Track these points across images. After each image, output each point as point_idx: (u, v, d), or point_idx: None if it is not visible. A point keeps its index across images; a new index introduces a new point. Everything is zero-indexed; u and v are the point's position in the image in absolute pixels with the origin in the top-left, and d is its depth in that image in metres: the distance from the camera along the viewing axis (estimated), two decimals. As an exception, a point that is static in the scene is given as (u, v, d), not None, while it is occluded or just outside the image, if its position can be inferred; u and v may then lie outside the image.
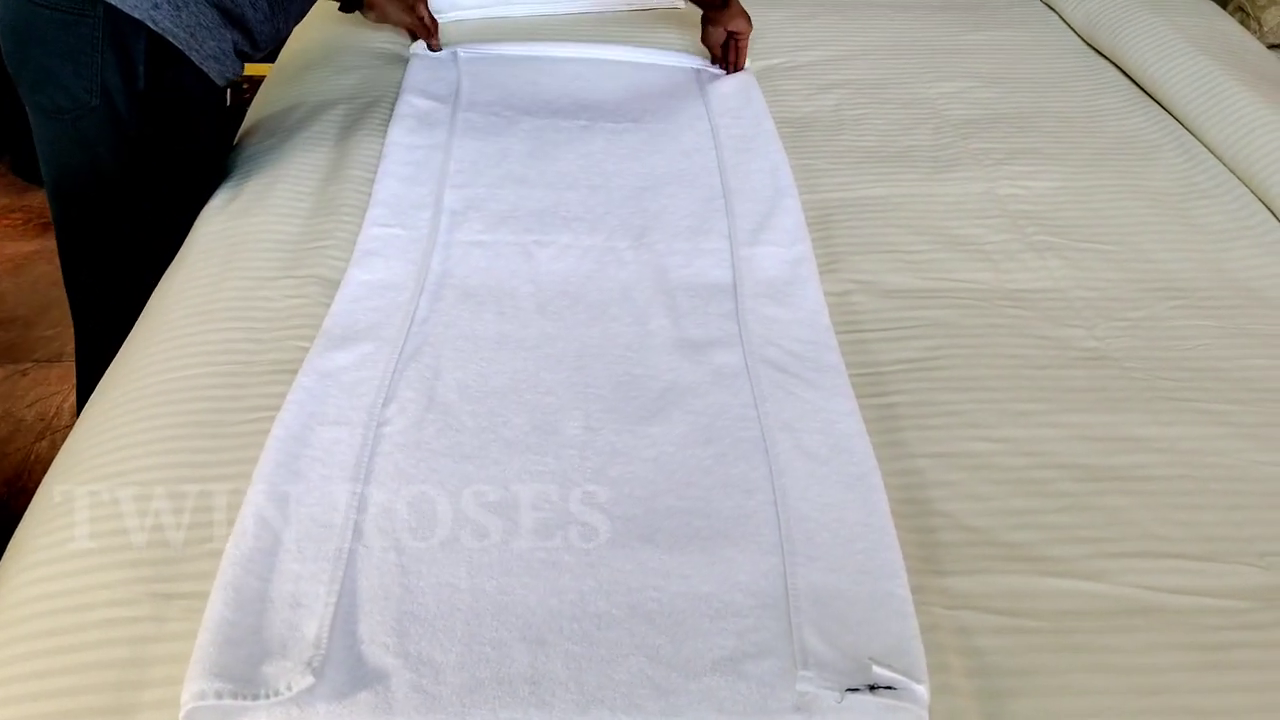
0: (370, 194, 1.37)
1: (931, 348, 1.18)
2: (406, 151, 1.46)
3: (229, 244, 1.28)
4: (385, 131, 1.51)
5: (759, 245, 1.31)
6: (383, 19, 1.74)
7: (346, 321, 1.15)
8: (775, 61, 1.81)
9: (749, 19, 1.71)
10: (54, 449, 1.99)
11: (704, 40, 1.76)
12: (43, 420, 2.07)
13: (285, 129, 1.52)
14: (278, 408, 1.04)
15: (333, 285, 1.22)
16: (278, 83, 1.71)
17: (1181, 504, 1.00)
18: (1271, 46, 1.91)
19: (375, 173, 1.41)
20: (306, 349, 1.12)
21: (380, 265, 1.25)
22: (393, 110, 1.56)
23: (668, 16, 1.94)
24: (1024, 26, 1.93)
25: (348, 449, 0.99)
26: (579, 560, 0.90)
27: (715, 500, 0.97)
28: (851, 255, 1.33)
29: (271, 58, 1.78)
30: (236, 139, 1.58)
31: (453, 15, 1.88)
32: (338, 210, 1.35)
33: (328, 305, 1.19)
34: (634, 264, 1.29)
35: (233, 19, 1.31)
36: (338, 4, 1.69)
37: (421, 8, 1.72)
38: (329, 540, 0.90)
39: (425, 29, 1.73)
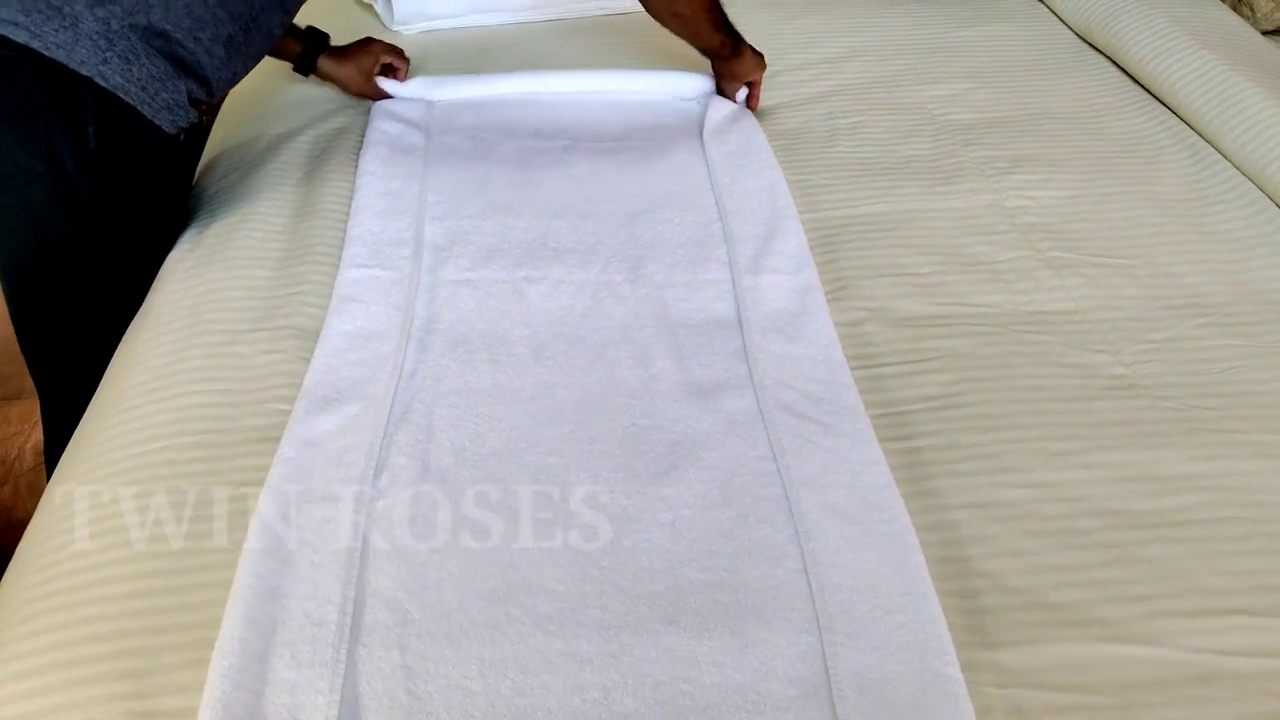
0: (345, 231, 1.29)
1: (952, 382, 1.11)
2: (381, 182, 1.37)
3: (195, 296, 1.19)
4: (356, 161, 1.42)
5: (762, 273, 1.24)
6: (345, 92, 1.59)
7: (328, 379, 1.07)
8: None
9: (763, 60, 1.57)
10: (16, 495, 1.90)
11: (721, 94, 1.61)
12: (3, 464, 1.96)
13: (248, 163, 1.43)
14: (260, 482, 0.96)
15: (311, 336, 1.14)
16: (237, 110, 1.61)
17: (1234, 550, 0.94)
18: (1266, 33, 1.85)
19: (349, 207, 1.33)
20: (287, 411, 1.04)
21: (360, 312, 1.16)
22: (363, 137, 1.47)
23: (653, 27, 1.85)
24: (1014, 21, 1.86)
25: (339, 530, 0.91)
26: (600, 650, 0.83)
27: (741, 570, 0.90)
28: (859, 280, 1.26)
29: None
30: (196, 174, 1.48)
31: (421, 26, 1.79)
32: (311, 251, 1.26)
33: (307, 360, 1.11)
34: (631, 299, 1.21)
35: (186, 68, 1.20)
36: (292, 67, 1.57)
37: (373, 78, 1.57)
38: (325, 642, 0.82)
39: (381, 97, 1.58)
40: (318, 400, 1.04)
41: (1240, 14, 1.90)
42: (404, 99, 1.57)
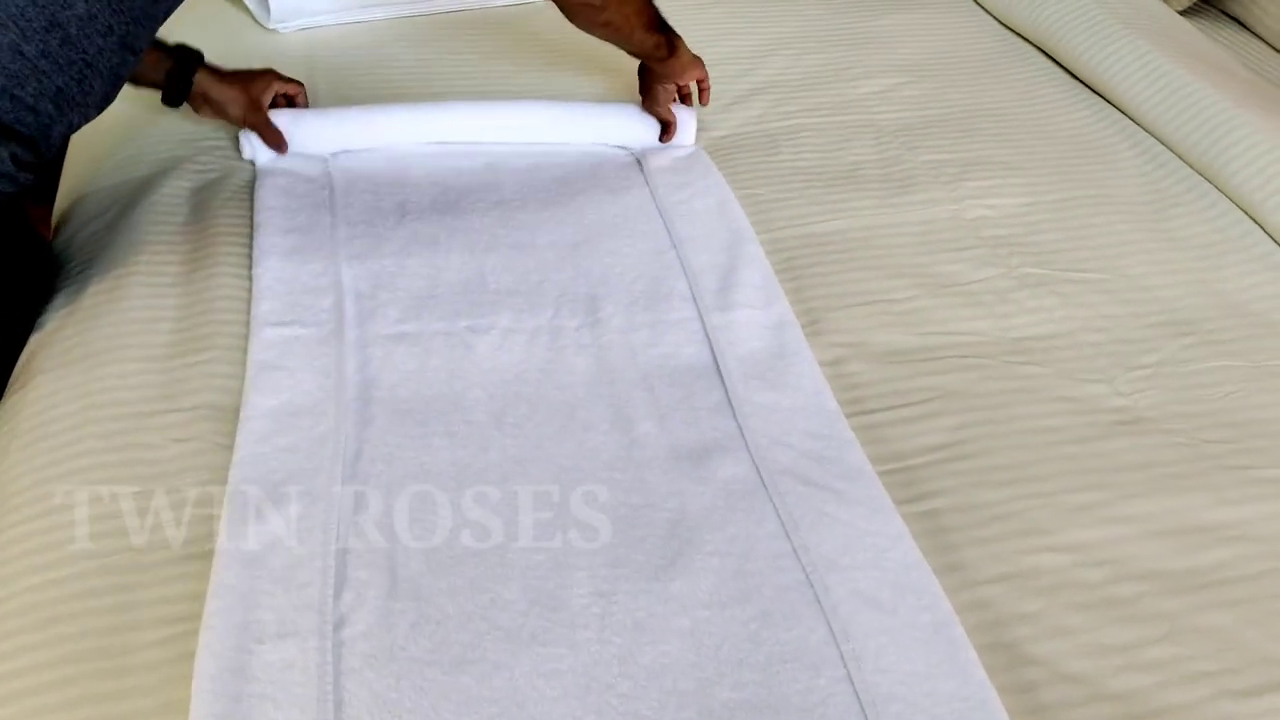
0: (250, 280, 1.11)
1: (953, 428, 1.03)
2: (284, 216, 1.19)
3: (80, 372, 1.00)
4: (251, 191, 1.23)
5: (731, 309, 1.13)
6: (219, 116, 1.30)
7: (259, 473, 0.91)
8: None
9: (702, 62, 1.37)
10: None
11: (649, 104, 1.38)
12: None
13: (120, 201, 1.22)
14: (194, 618, 0.79)
15: (229, 416, 0.97)
16: (85, 150, 1.36)
17: (1282, 610, 0.88)
18: (1182, 13, 1.82)
19: (249, 249, 1.15)
20: (213, 517, 0.87)
21: (285, 382, 1.00)
22: (254, 169, 1.28)
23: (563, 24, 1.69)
24: (932, 8, 1.78)
25: (304, 675, 0.76)
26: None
27: (778, 683, 0.79)
28: (831, 311, 1.16)
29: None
30: (54, 224, 1.26)
31: (300, 23, 1.59)
32: (212, 305, 1.08)
33: (228, 447, 0.94)
34: (593, 347, 1.08)
35: (3, 130, 0.96)
36: (159, 95, 1.28)
37: (269, 93, 1.29)
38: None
39: (274, 135, 1.29)
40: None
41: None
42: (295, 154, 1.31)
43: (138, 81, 1.24)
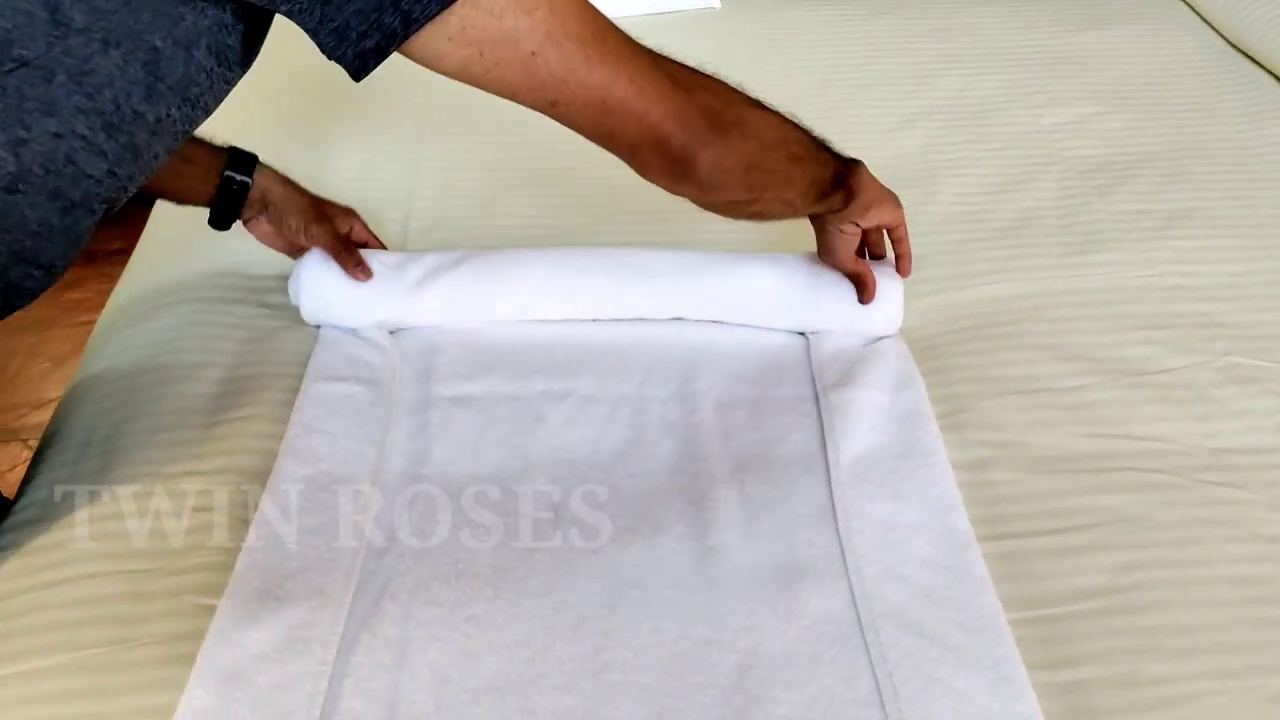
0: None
1: (1120, 568, 0.81)
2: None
3: (111, 425, 0.91)
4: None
5: (852, 387, 0.94)
6: (275, 228, 1.02)
7: (269, 560, 0.79)
8: (836, 81, 1.42)
9: (894, 199, 0.96)
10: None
11: (825, 254, 0.98)
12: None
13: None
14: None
15: (257, 480, 0.85)
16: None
17: None
18: None
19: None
20: (211, 611, 0.76)
21: (324, 449, 0.88)
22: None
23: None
24: (1147, 21, 1.53)
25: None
26: None
27: None
28: (979, 400, 0.95)
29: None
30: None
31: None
32: (270, 356, 0.97)
33: (245, 521, 0.82)
34: (680, 426, 0.92)
35: None
36: (207, 214, 1.00)
37: (343, 220, 1.02)
38: None
39: (350, 255, 0.99)
40: (250, 597, 0.76)
41: None
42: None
43: (183, 197, 0.99)
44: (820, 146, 0.87)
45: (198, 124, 0.74)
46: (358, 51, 0.65)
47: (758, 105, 0.81)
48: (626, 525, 0.83)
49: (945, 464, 0.88)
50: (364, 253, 1.00)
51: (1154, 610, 0.78)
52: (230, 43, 0.70)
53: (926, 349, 1.00)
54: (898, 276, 1.00)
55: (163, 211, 1.22)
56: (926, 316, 1.03)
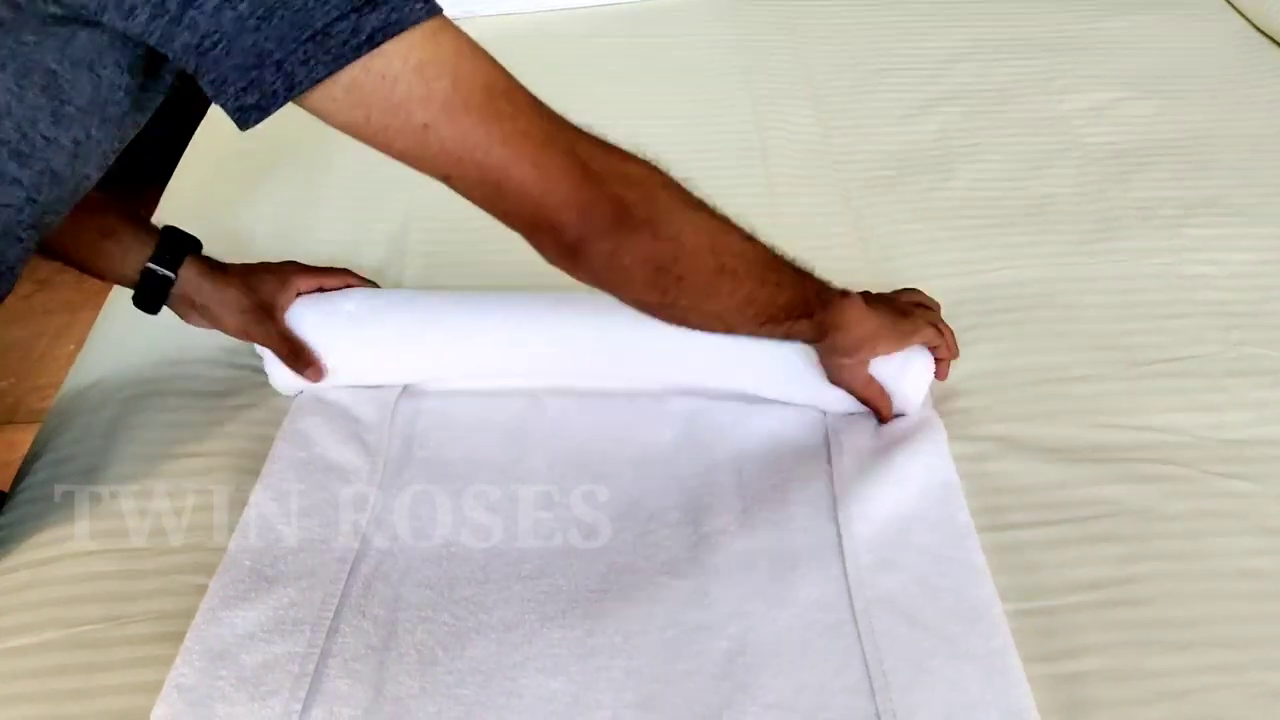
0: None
1: (1123, 559, 0.79)
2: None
3: (118, 404, 0.92)
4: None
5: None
6: (215, 326, 0.91)
7: (263, 542, 0.79)
8: (855, 66, 1.40)
9: (911, 327, 0.87)
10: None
11: (832, 380, 0.88)
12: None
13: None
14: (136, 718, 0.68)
15: (255, 465, 0.86)
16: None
17: None
18: None
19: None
20: (203, 590, 0.76)
21: (320, 431, 0.88)
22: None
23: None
24: (1173, 7, 1.50)
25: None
26: None
27: None
28: (986, 391, 0.94)
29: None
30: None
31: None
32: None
33: (242, 503, 0.82)
34: (682, 416, 0.91)
35: None
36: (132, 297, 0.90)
37: (279, 314, 0.90)
38: None
39: (292, 352, 0.89)
40: (242, 577, 0.76)
41: None
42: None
43: (98, 272, 0.89)
44: (785, 269, 0.78)
45: (130, 137, 0.70)
46: (237, 105, 0.59)
47: (696, 207, 0.72)
48: (621, 511, 0.83)
49: (947, 454, 0.86)
50: (333, 304, 0.91)
51: (1155, 603, 0.77)
52: (141, 54, 0.63)
53: (934, 336, 0.98)
54: (927, 357, 0.88)
55: (173, 197, 1.22)
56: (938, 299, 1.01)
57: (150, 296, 0.89)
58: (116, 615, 0.76)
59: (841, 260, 1.06)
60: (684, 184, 0.72)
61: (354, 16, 0.57)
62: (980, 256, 1.08)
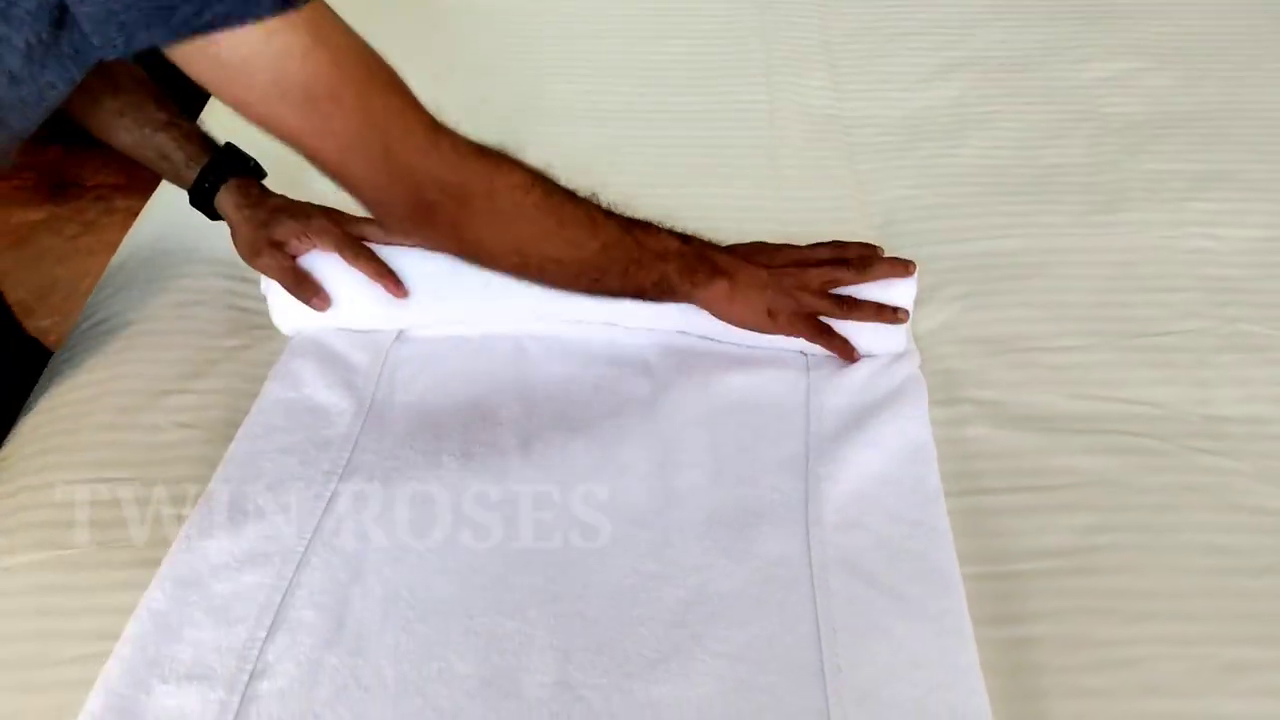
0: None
1: (1088, 529, 0.80)
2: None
3: (121, 339, 0.95)
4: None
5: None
6: (234, 245, 0.96)
7: (243, 474, 0.82)
8: (873, 28, 1.39)
9: (905, 264, 0.91)
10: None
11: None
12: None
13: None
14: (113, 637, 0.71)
15: (249, 400, 0.88)
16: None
17: None
18: None
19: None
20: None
21: (310, 372, 0.90)
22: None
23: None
24: (1206, -24, 1.46)
25: (194, 737, 0.66)
26: None
27: None
28: (967, 356, 0.94)
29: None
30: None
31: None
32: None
33: (230, 439, 0.85)
34: (661, 367, 0.93)
35: None
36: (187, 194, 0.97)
37: (292, 239, 0.93)
38: None
39: (297, 281, 0.93)
40: (220, 509, 0.79)
41: None
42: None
43: (166, 176, 0.98)
44: (630, 258, 0.83)
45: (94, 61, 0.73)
46: (92, 45, 0.65)
47: (528, 216, 0.78)
48: (592, 464, 0.84)
49: (925, 418, 0.86)
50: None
51: (1115, 574, 0.77)
52: None
53: (921, 299, 0.97)
54: (910, 282, 0.91)
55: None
56: (927, 266, 1.01)
57: (201, 201, 0.96)
58: (104, 541, 0.79)
59: (840, 224, 1.06)
60: (535, 187, 0.78)
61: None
62: (980, 224, 1.07)
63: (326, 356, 0.93)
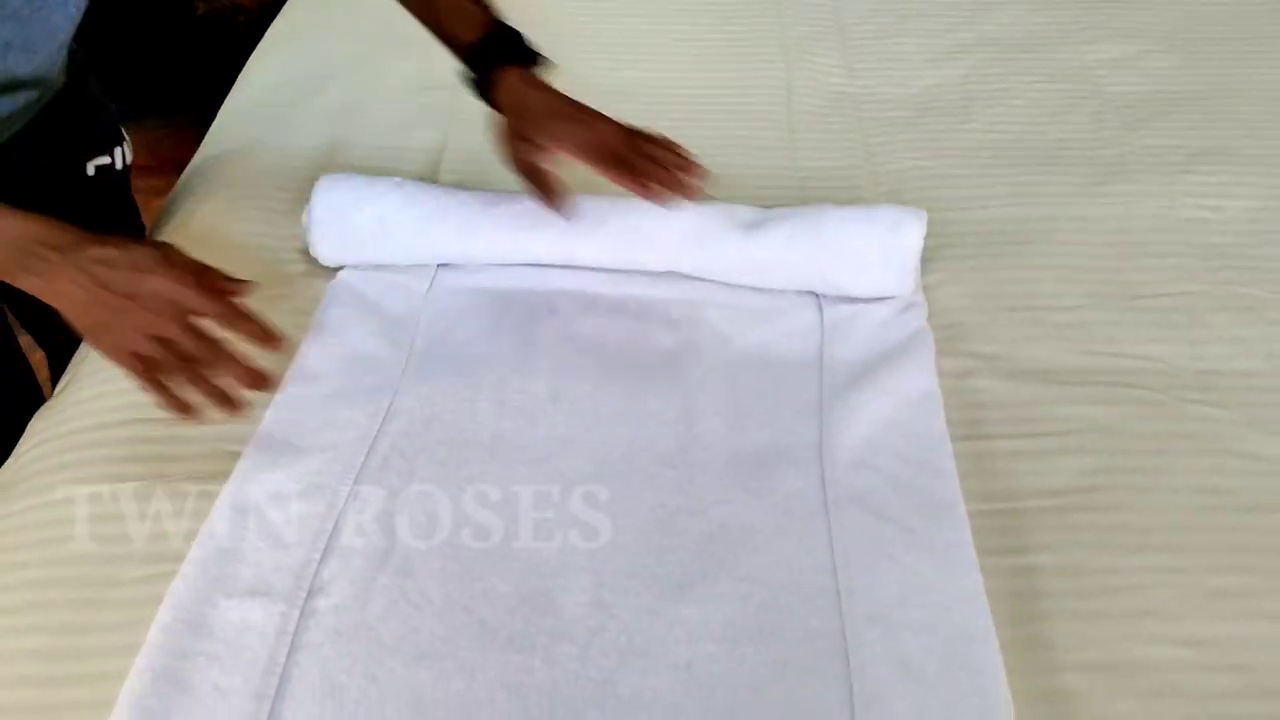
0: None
1: (1087, 471, 0.85)
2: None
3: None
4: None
5: (858, 303, 0.98)
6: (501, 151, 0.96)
7: (294, 416, 0.87)
8: (885, 8, 1.44)
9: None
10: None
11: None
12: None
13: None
14: (178, 559, 0.77)
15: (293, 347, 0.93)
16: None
17: None
18: None
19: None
20: (237, 456, 0.84)
21: (354, 324, 0.96)
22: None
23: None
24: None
25: (260, 641, 0.71)
26: None
27: (770, 749, 0.67)
28: (974, 313, 0.99)
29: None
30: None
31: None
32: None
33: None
34: (685, 322, 0.98)
35: None
36: (466, 69, 0.97)
37: (548, 160, 0.94)
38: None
39: (549, 195, 0.95)
40: (273, 446, 0.84)
41: None
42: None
43: (446, 40, 0.97)
44: None
45: None
46: None
47: None
48: (619, 410, 0.89)
49: (932, 369, 0.92)
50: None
51: (1114, 511, 0.82)
52: None
53: (937, 261, 1.03)
54: (918, 215, 0.98)
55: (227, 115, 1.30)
56: (935, 228, 1.05)
57: (481, 86, 0.95)
58: (162, 474, 0.84)
59: (852, 191, 1.12)
60: None
61: None
62: (988, 193, 1.12)
63: (363, 306, 0.98)
